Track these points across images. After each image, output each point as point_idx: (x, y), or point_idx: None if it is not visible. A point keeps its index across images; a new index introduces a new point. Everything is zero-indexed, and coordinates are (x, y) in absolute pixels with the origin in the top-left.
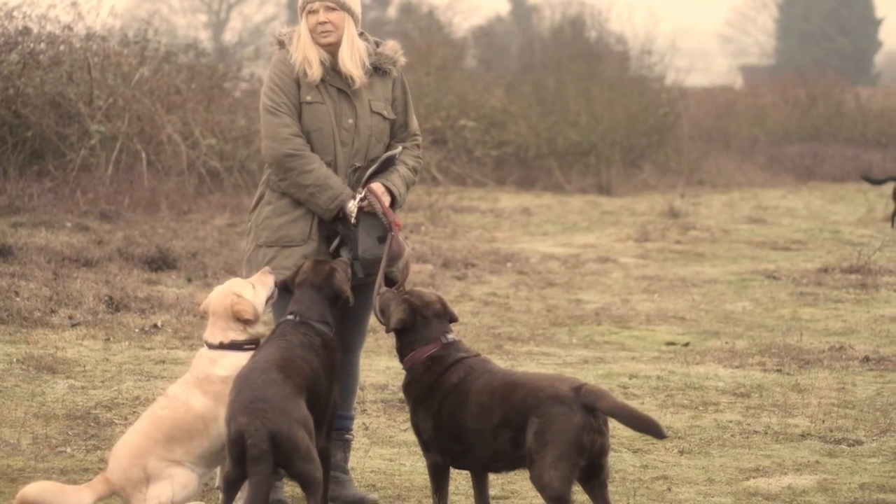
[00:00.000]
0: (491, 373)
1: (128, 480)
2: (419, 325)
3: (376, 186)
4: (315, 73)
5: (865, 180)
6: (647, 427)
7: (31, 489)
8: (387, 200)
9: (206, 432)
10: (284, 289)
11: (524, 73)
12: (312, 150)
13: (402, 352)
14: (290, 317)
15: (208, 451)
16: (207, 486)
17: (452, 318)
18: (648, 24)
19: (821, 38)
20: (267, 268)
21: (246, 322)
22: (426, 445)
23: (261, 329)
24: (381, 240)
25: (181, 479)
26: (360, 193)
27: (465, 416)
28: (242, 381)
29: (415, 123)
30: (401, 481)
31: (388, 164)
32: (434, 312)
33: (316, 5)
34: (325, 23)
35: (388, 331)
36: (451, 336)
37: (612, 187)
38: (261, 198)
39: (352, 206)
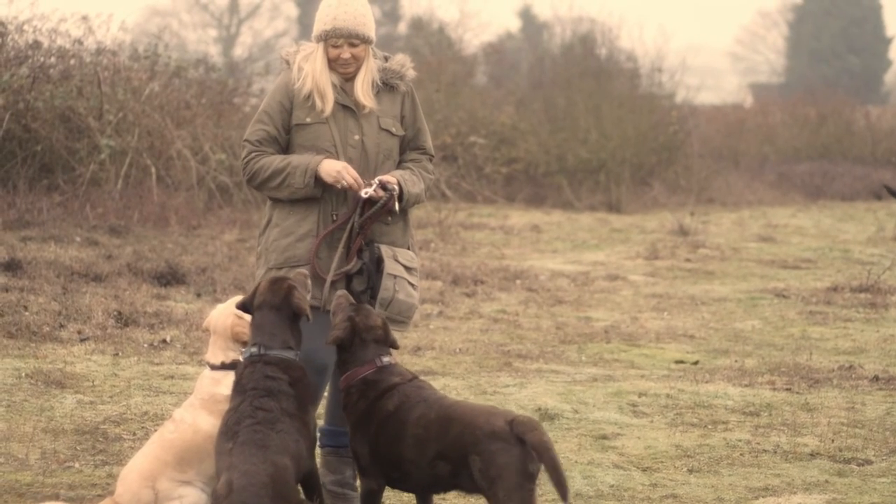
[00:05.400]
0: (426, 402)
1: (138, 503)
2: (356, 346)
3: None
4: (328, 107)
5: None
6: (557, 481)
7: None
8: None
9: None
10: (244, 310)
11: (534, 90)
12: None
13: (340, 368)
14: (254, 349)
15: None
16: None
17: (393, 346)
18: (659, 41)
19: (831, 57)
20: None
21: (245, 343)
22: (363, 471)
23: None
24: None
25: (191, 498)
26: (373, 184)
27: (402, 446)
28: None
29: (427, 140)
30: (409, 498)
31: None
32: (374, 337)
33: (340, 42)
34: (349, 57)
35: (325, 343)
36: (386, 359)
37: (621, 205)
38: (269, 221)
39: (363, 192)
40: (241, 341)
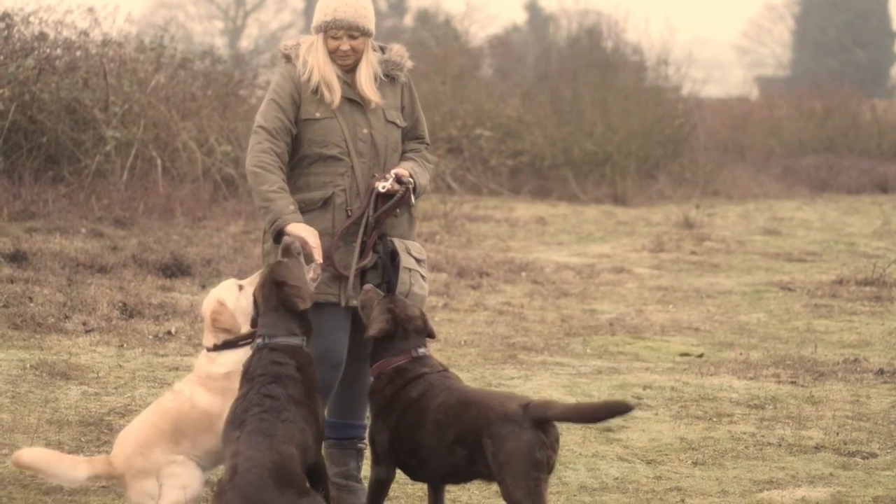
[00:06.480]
0: (449, 390)
1: (129, 468)
2: (398, 337)
3: (401, 172)
4: (336, 98)
5: None
6: (609, 410)
7: (25, 454)
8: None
9: (212, 428)
10: (254, 324)
11: (540, 83)
12: (327, 164)
13: (373, 357)
14: (260, 340)
15: (215, 447)
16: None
17: (431, 335)
18: (665, 34)
19: (837, 50)
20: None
21: (225, 331)
22: (377, 458)
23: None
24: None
25: (184, 479)
26: (389, 178)
27: (422, 432)
28: (239, 497)
29: (424, 129)
30: (413, 490)
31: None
32: (415, 328)
33: (340, 33)
34: (348, 49)
35: (367, 336)
36: (421, 350)
37: (627, 197)
38: None
39: (380, 187)
40: (222, 329)
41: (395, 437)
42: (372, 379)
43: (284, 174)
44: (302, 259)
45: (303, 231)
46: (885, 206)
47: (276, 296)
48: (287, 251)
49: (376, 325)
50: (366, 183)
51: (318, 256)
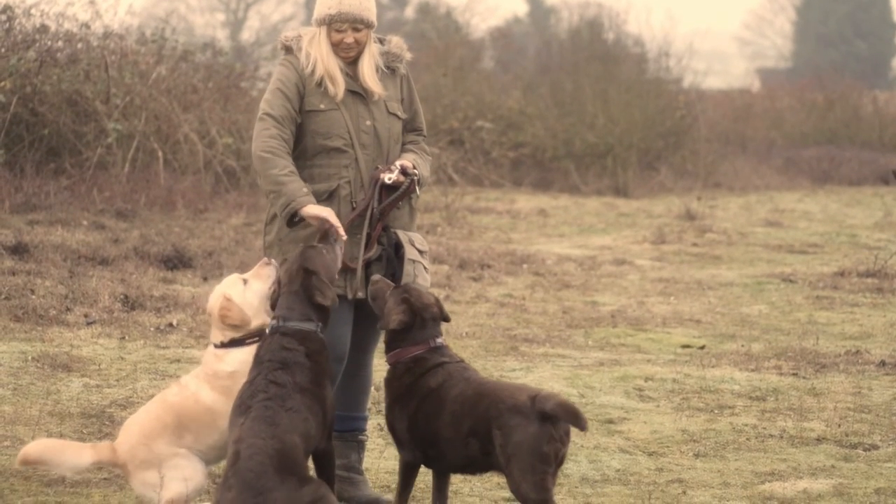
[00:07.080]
0: (467, 381)
1: (133, 458)
2: (415, 327)
3: (406, 163)
4: (340, 91)
5: None
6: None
7: (33, 448)
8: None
9: (214, 425)
10: (274, 305)
11: (541, 75)
12: (331, 156)
13: (390, 346)
14: (274, 322)
15: (218, 442)
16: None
17: (446, 319)
18: (666, 26)
19: (838, 42)
20: (265, 259)
21: (234, 327)
22: (401, 443)
23: (260, 321)
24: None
25: (187, 471)
26: (394, 169)
27: (440, 423)
28: (240, 483)
29: (422, 121)
30: (416, 482)
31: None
32: (432, 316)
33: (345, 26)
34: (352, 41)
35: (386, 327)
36: (439, 340)
37: (628, 189)
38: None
39: (386, 178)
40: (231, 325)
41: (413, 425)
42: (389, 366)
43: (291, 161)
44: (338, 248)
45: (321, 211)
46: (886, 198)
47: (300, 281)
48: (325, 237)
49: (395, 317)
50: (369, 175)
51: (342, 232)
